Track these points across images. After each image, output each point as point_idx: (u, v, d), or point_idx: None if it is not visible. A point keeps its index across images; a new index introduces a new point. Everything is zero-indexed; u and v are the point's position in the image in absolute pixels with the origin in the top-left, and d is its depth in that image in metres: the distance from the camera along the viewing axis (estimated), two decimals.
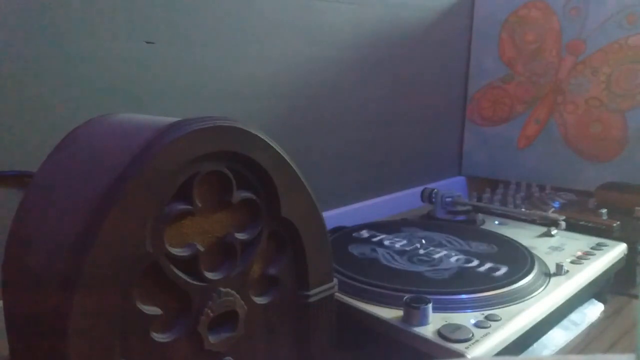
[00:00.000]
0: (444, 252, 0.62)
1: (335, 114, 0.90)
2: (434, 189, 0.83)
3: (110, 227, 0.31)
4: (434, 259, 0.60)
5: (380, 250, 0.63)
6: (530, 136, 1.08)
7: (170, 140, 0.33)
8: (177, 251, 0.36)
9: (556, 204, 0.84)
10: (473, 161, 1.18)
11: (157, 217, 0.34)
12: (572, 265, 0.59)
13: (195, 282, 0.37)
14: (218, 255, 0.39)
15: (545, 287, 0.54)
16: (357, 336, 0.51)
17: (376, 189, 1.01)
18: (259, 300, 0.42)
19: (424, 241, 0.65)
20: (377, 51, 0.95)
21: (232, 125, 0.37)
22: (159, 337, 0.35)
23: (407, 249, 0.63)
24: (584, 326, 0.59)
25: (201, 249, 0.37)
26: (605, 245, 0.65)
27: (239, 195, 0.39)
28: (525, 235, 0.69)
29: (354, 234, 0.69)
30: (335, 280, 0.46)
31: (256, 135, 0.38)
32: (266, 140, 0.39)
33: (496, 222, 0.77)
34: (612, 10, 0.95)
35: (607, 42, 0.96)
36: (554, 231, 0.70)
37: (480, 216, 0.79)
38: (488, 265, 0.58)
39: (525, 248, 0.63)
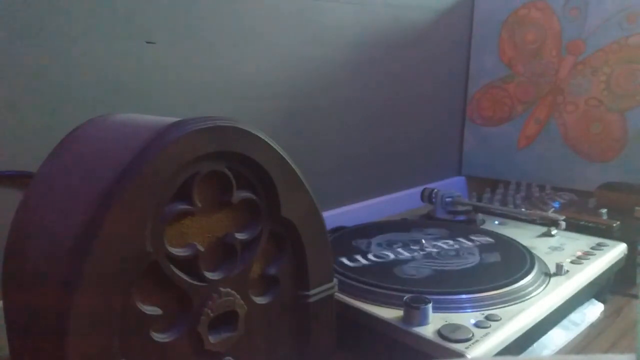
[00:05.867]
0: (451, 250, 0.62)
1: (335, 114, 0.90)
2: (434, 189, 0.83)
3: (110, 227, 0.31)
4: (452, 256, 0.60)
5: (393, 252, 0.63)
6: (530, 136, 1.08)
7: (170, 141, 0.33)
8: (177, 251, 0.36)
9: (556, 204, 0.84)
10: (473, 161, 1.18)
11: (157, 217, 0.34)
12: (572, 265, 0.59)
13: (195, 282, 0.37)
14: (218, 255, 0.39)
15: (545, 287, 0.54)
16: (357, 336, 0.51)
17: (376, 189, 1.01)
18: (259, 300, 0.42)
19: (424, 241, 0.65)
20: (377, 51, 0.95)
21: (232, 125, 0.37)
22: (159, 337, 0.35)
23: (414, 249, 0.63)
24: (584, 326, 0.59)
25: (201, 249, 0.37)
26: (605, 245, 0.65)
27: (239, 195, 0.39)
28: (525, 235, 0.69)
29: (354, 243, 0.69)
30: (335, 280, 0.46)
31: (256, 135, 0.38)
32: (266, 140, 0.39)
33: (496, 222, 0.77)
34: (612, 10, 0.95)
35: (607, 42, 0.96)
36: (554, 231, 0.70)
37: (480, 216, 0.79)
38: (493, 258, 0.58)
39: (525, 248, 0.63)
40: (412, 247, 0.64)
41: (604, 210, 0.77)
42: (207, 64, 0.71)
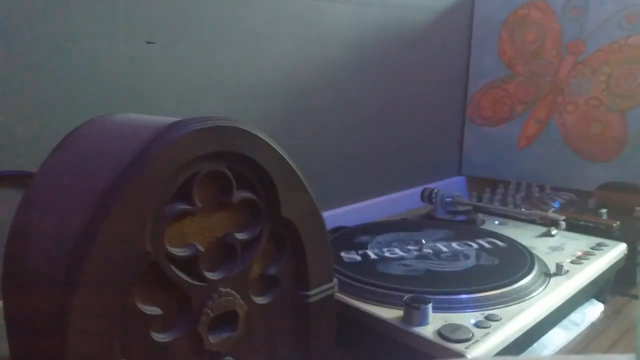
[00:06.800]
0: (452, 250, 0.62)
1: (335, 114, 0.90)
2: (434, 189, 0.83)
3: (111, 227, 0.31)
4: (452, 256, 0.60)
5: (390, 255, 0.63)
6: (530, 136, 1.08)
7: (170, 141, 0.33)
8: (177, 251, 0.36)
9: (556, 204, 0.84)
10: (473, 161, 1.18)
11: (157, 217, 0.34)
12: (572, 265, 0.59)
13: (195, 282, 0.37)
14: (218, 255, 0.39)
15: (545, 287, 0.54)
16: (357, 336, 0.51)
17: (376, 189, 1.01)
18: (259, 300, 0.42)
19: (424, 241, 0.65)
20: (377, 51, 0.95)
21: (232, 125, 0.37)
22: (159, 337, 0.35)
23: (414, 249, 0.63)
24: (584, 326, 0.59)
25: (201, 249, 0.37)
26: (605, 245, 0.65)
27: (239, 195, 0.39)
28: (525, 235, 0.69)
29: (355, 240, 0.69)
30: (335, 280, 0.46)
31: (256, 135, 0.38)
32: (266, 140, 0.39)
33: (496, 222, 0.77)
34: (612, 10, 0.95)
35: (607, 42, 0.96)
36: (554, 231, 0.70)
37: (480, 216, 0.79)
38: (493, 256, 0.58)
39: (525, 248, 0.63)
40: (411, 247, 0.64)
41: (604, 210, 0.77)
42: (207, 64, 0.71)
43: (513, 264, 0.58)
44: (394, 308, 0.49)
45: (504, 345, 0.45)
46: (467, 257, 0.60)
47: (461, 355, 0.42)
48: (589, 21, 0.98)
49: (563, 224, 0.72)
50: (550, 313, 0.51)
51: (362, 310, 0.50)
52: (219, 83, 0.73)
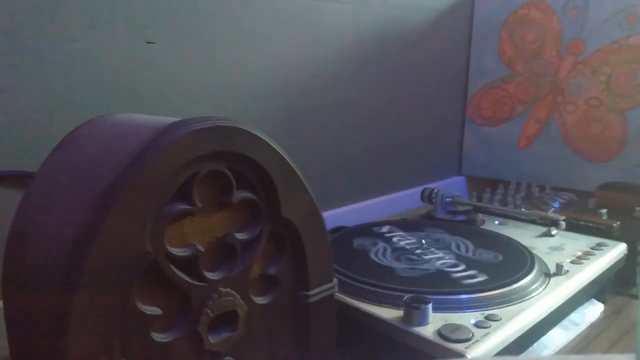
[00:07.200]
0: (438, 255, 0.61)
1: (335, 114, 0.90)
2: (434, 189, 0.83)
3: (111, 227, 0.31)
4: (423, 259, 0.60)
5: (375, 247, 0.64)
6: (530, 136, 1.08)
7: (170, 141, 0.33)
8: (177, 251, 0.36)
9: (556, 204, 0.84)
10: (473, 161, 1.18)
11: (157, 217, 0.34)
12: (572, 265, 0.59)
13: (195, 282, 0.37)
14: (218, 255, 0.39)
15: (545, 287, 0.54)
16: (357, 336, 0.51)
17: (376, 189, 1.00)
18: (259, 300, 0.42)
19: (424, 241, 0.65)
20: (377, 51, 0.95)
21: (233, 125, 0.37)
22: (159, 337, 0.35)
23: (407, 248, 0.63)
24: (584, 326, 0.59)
25: (201, 249, 0.37)
26: (605, 245, 0.65)
27: (239, 195, 0.39)
28: (525, 235, 0.69)
29: (354, 239, 0.69)
30: (335, 280, 0.46)
31: (256, 135, 0.38)
32: (266, 140, 0.39)
33: (496, 222, 0.76)
34: (612, 10, 0.95)
35: (607, 42, 0.96)
36: (554, 231, 0.70)
37: (480, 216, 0.79)
38: (469, 272, 0.56)
39: (525, 248, 0.63)
40: (411, 246, 0.64)
41: (604, 210, 0.77)
42: (207, 64, 0.71)
43: (513, 264, 0.58)
44: (394, 308, 0.49)
45: (504, 345, 0.45)
46: (456, 261, 0.60)
47: (461, 355, 0.42)
48: (589, 21, 0.98)
49: (563, 224, 0.72)
50: (550, 313, 0.51)
51: (362, 310, 0.50)
52: (219, 83, 0.73)
